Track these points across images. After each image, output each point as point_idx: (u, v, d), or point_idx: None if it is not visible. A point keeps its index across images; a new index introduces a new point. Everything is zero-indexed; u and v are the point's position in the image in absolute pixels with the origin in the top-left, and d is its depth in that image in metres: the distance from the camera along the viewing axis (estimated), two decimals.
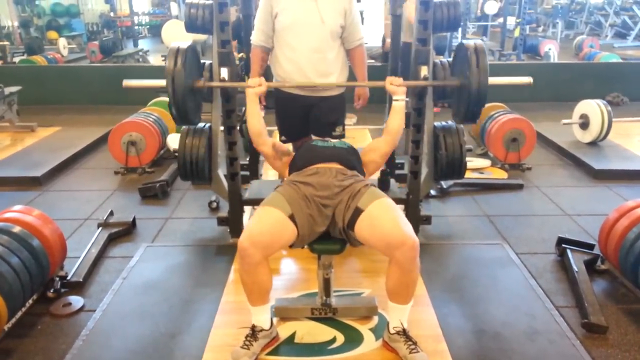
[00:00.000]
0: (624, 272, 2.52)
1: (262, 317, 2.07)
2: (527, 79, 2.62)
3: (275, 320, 2.19)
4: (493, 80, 2.43)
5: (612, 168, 4.27)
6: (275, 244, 1.98)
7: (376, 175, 3.02)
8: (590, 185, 4.08)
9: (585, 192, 3.97)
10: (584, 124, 4.82)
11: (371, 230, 1.94)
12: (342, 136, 2.89)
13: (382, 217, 1.94)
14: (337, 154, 2.24)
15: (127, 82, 2.67)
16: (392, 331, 2.03)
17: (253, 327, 2.06)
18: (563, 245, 2.86)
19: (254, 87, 2.36)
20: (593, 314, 2.28)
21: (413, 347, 1.96)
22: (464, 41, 2.50)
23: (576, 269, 2.62)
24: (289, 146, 2.89)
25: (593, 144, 4.78)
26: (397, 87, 2.33)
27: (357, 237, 2.00)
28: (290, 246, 2.05)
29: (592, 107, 4.73)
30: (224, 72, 2.65)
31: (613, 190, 3.92)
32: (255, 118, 2.36)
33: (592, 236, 3.07)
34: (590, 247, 2.85)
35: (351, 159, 2.25)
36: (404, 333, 2.01)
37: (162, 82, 2.48)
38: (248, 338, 2.03)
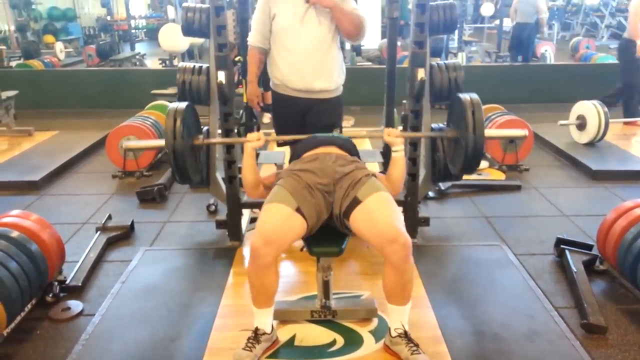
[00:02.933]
0: (623, 272, 2.52)
1: (265, 320, 2.07)
2: (523, 132, 2.68)
3: (274, 323, 2.18)
4: (490, 133, 2.43)
5: (610, 169, 4.28)
6: (288, 239, 1.98)
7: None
8: (588, 186, 4.09)
9: (583, 192, 3.98)
10: (581, 125, 4.83)
11: (366, 223, 1.95)
12: None
13: (378, 211, 1.95)
14: (336, 140, 2.25)
15: (128, 144, 2.75)
16: (393, 334, 2.02)
17: (256, 330, 2.05)
18: (561, 246, 2.86)
19: (253, 142, 2.28)
20: (592, 315, 2.28)
21: (415, 349, 1.96)
22: (460, 95, 2.49)
23: (575, 270, 2.62)
24: (287, 150, 2.89)
25: (590, 144, 4.79)
26: (394, 139, 2.27)
27: (351, 227, 2.01)
28: (302, 238, 2.06)
29: (589, 108, 4.74)
30: (221, 76, 2.66)
31: (611, 190, 3.93)
32: (252, 172, 2.27)
33: (590, 237, 3.07)
34: (589, 247, 2.85)
35: (350, 147, 2.25)
36: (405, 335, 2.00)
37: (161, 142, 2.51)
38: (250, 340, 2.03)
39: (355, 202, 1.98)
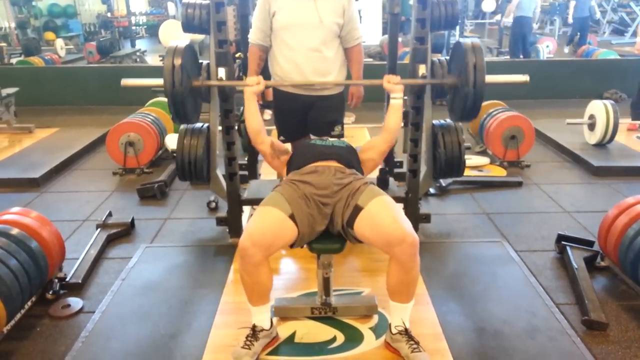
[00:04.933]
0: (624, 268, 2.52)
1: (262, 317, 2.06)
2: (524, 77, 2.62)
3: (275, 320, 2.18)
4: (490, 78, 2.43)
5: (612, 165, 4.27)
6: (276, 244, 1.98)
7: (375, 174, 3.03)
8: (589, 182, 4.08)
9: (584, 189, 3.97)
10: (592, 125, 4.70)
11: (371, 227, 1.94)
12: (341, 135, 2.89)
13: (382, 214, 1.94)
14: (336, 153, 2.24)
15: (126, 81, 2.68)
16: (394, 331, 2.02)
17: (254, 327, 2.05)
18: (563, 243, 2.85)
19: (252, 86, 2.36)
20: (593, 311, 2.27)
21: (415, 346, 1.96)
22: (461, 39, 2.50)
23: (576, 266, 2.62)
24: (288, 146, 2.88)
25: (599, 145, 4.65)
26: (394, 85, 2.33)
27: (357, 234, 1.99)
28: (291, 246, 2.05)
29: (599, 108, 4.61)
30: (222, 72, 2.64)
31: (612, 187, 3.92)
32: (254, 116, 2.35)
33: (591, 233, 3.07)
34: (590, 244, 2.85)
35: (349, 158, 2.25)
36: (406, 333, 2.00)
37: (160, 81, 2.48)
38: (249, 338, 2.02)
39: (357, 209, 1.98)
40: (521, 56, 8.70)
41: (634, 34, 12.10)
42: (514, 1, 8.54)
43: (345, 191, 2.04)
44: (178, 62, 2.39)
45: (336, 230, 2.06)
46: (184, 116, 2.53)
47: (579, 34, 10.49)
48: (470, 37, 10.16)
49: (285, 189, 2.07)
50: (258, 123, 2.35)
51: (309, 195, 2.03)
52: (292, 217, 1.97)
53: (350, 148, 2.33)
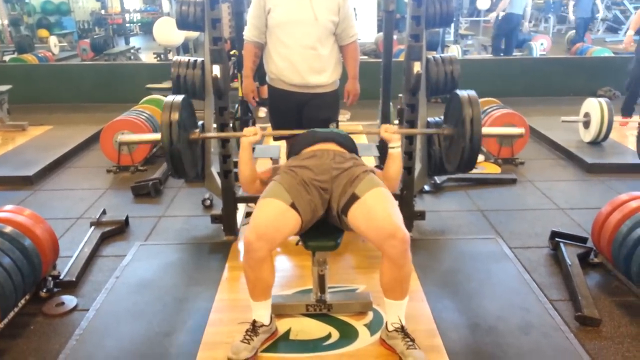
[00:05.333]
0: (617, 265, 2.53)
1: (263, 312, 2.07)
2: (519, 130, 2.68)
3: (273, 315, 2.18)
4: (486, 130, 2.43)
5: (605, 162, 4.29)
6: (281, 235, 1.98)
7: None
8: (583, 179, 4.10)
9: (578, 186, 3.99)
10: (586, 123, 4.70)
11: (364, 218, 1.95)
12: None
13: (377, 207, 1.94)
14: (335, 137, 2.24)
15: (123, 138, 2.80)
16: (390, 328, 2.02)
17: (254, 322, 2.06)
18: (556, 239, 2.87)
19: (249, 137, 2.25)
20: (586, 307, 2.29)
21: (410, 343, 1.97)
22: (458, 92, 2.48)
23: (569, 263, 2.63)
24: (282, 144, 2.89)
25: (594, 143, 4.65)
26: (392, 135, 2.24)
27: (350, 223, 2.00)
28: (296, 234, 2.05)
29: (594, 106, 4.61)
30: (216, 70, 2.64)
31: (606, 184, 3.94)
32: (248, 166, 2.24)
33: (585, 230, 3.08)
34: (584, 240, 2.86)
35: (349, 144, 2.25)
36: (402, 330, 2.01)
37: (157, 136, 2.48)
38: (248, 333, 2.03)
39: (354, 198, 1.98)
40: (502, 54, 8.76)
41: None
42: None
43: (345, 177, 2.04)
44: (175, 117, 2.37)
45: (333, 216, 2.06)
46: (182, 170, 2.51)
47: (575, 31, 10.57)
48: (466, 34, 10.12)
49: (284, 177, 2.06)
50: (252, 174, 2.25)
51: (308, 181, 2.03)
52: (293, 205, 1.97)
53: (350, 138, 2.32)
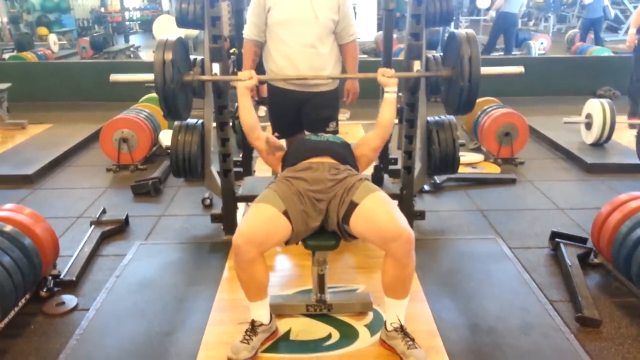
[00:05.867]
0: (617, 265, 2.53)
1: (261, 312, 2.07)
2: (519, 69, 2.61)
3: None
4: (485, 70, 2.42)
5: (605, 162, 4.29)
6: (270, 241, 1.98)
7: (369, 171, 3.02)
8: (583, 179, 4.10)
9: (578, 186, 3.99)
10: (588, 124, 4.65)
11: (366, 223, 1.94)
12: (335, 132, 2.88)
13: (377, 210, 1.94)
14: (330, 148, 2.23)
15: (115, 77, 2.65)
16: (389, 328, 2.02)
17: (253, 322, 2.06)
18: (556, 240, 2.87)
19: (245, 81, 2.33)
20: (587, 308, 2.29)
21: (411, 343, 1.96)
22: (455, 31, 2.49)
23: (569, 263, 2.63)
24: (283, 142, 2.88)
25: (595, 144, 4.59)
26: (388, 79, 2.31)
27: (353, 231, 2.00)
28: (286, 243, 2.05)
29: (596, 107, 4.55)
30: (216, 68, 2.63)
31: (606, 184, 3.94)
32: (248, 112, 2.33)
33: (585, 230, 3.08)
34: (584, 241, 2.86)
35: (344, 153, 2.25)
36: (401, 330, 2.00)
37: (150, 76, 2.45)
38: (248, 333, 2.03)
39: (353, 205, 1.98)
40: (501, 53, 8.75)
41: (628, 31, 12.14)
42: None
43: (340, 187, 2.04)
44: (169, 56, 2.36)
45: (331, 228, 2.06)
46: (175, 112, 2.51)
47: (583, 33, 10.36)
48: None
49: (279, 186, 2.06)
50: (252, 118, 2.33)
51: (303, 191, 2.03)
52: (285, 213, 1.96)
53: (345, 144, 2.33)
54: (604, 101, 4.61)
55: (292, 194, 2.01)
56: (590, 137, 4.65)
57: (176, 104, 2.46)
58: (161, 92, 2.39)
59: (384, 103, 2.33)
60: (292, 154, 2.28)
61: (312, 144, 2.28)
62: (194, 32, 8.22)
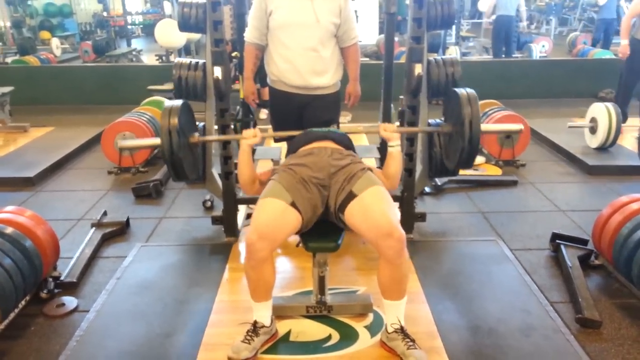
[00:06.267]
0: (618, 267, 2.53)
1: (264, 313, 2.07)
2: (518, 127, 2.66)
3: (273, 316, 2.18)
4: (485, 127, 2.43)
5: (606, 164, 4.28)
6: (282, 234, 1.98)
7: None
8: (584, 181, 4.10)
9: (579, 188, 3.99)
10: (593, 128, 4.60)
11: (361, 217, 1.95)
12: None
13: (374, 205, 1.95)
14: (332, 134, 2.25)
15: (123, 144, 2.83)
16: (390, 330, 2.02)
17: (255, 323, 2.06)
18: (557, 241, 2.86)
19: (248, 139, 2.26)
20: (587, 309, 2.28)
21: (411, 344, 1.96)
22: (456, 89, 2.48)
23: (570, 265, 2.63)
24: (283, 146, 2.89)
25: (601, 149, 4.54)
26: (390, 134, 2.25)
27: (346, 221, 2.00)
28: (297, 233, 2.05)
29: (600, 111, 4.50)
30: (217, 71, 2.64)
31: (607, 185, 3.94)
32: (248, 168, 2.24)
33: (586, 232, 3.08)
34: (584, 242, 2.86)
35: (346, 141, 2.25)
36: (402, 331, 2.00)
37: (157, 141, 2.49)
38: (249, 333, 2.03)
39: (351, 196, 1.98)
40: (503, 55, 8.75)
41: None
42: (491, 1, 8.63)
43: (342, 174, 2.05)
44: (174, 122, 2.37)
45: (330, 214, 2.07)
46: (182, 173, 2.51)
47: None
48: (467, 36, 10.11)
49: (283, 176, 2.06)
50: (251, 175, 2.25)
51: (307, 178, 2.03)
52: (293, 204, 1.97)
53: (347, 137, 2.32)
54: (609, 105, 4.56)
55: (296, 183, 2.02)
56: (595, 141, 4.59)
57: (183, 166, 2.46)
58: (168, 158, 2.41)
59: (388, 157, 2.27)
60: (294, 143, 2.28)
61: (314, 132, 2.29)
62: (195, 36, 8.25)
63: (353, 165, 2.08)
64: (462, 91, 2.43)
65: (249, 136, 2.26)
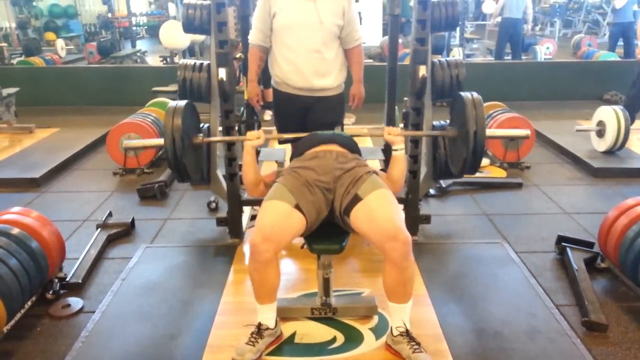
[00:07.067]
0: (624, 270, 2.52)
1: (268, 315, 2.07)
2: (525, 132, 2.65)
3: (278, 318, 2.18)
4: (491, 132, 2.42)
5: (612, 166, 4.27)
6: (287, 236, 1.98)
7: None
8: (589, 183, 4.09)
9: (584, 190, 3.97)
10: (600, 132, 4.54)
11: (366, 220, 1.95)
12: None
13: (379, 209, 1.94)
14: (337, 137, 2.25)
15: (127, 143, 2.82)
16: (395, 333, 2.02)
17: (259, 325, 2.06)
18: (563, 244, 2.85)
19: (253, 140, 2.25)
20: (593, 312, 2.27)
21: (416, 347, 1.96)
22: (462, 93, 2.48)
23: (576, 268, 2.62)
24: (287, 148, 2.89)
25: (609, 152, 4.49)
26: (395, 137, 2.24)
27: (352, 224, 2.00)
28: (301, 235, 2.05)
29: (608, 114, 4.45)
30: (222, 73, 2.65)
31: (612, 188, 3.92)
32: (252, 170, 2.24)
33: (591, 234, 3.07)
34: (590, 245, 2.85)
35: (351, 144, 2.26)
36: (407, 334, 2.00)
37: (161, 141, 2.50)
38: (254, 335, 2.03)
39: (356, 199, 1.98)
40: (507, 58, 8.74)
41: (635, 37, 12.04)
42: (499, 2, 8.61)
43: (348, 177, 2.05)
44: (178, 123, 2.38)
45: (335, 217, 2.07)
46: (185, 174, 2.52)
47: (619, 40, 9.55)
48: (471, 38, 10.10)
49: (287, 179, 2.07)
50: (255, 177, 2.25)
51: (312, 181, 2.04)
52: (297, 207, 1.97)
53: (352, 140, 2.33)
54: (617, 108, 4.51)
55: (300, 186, 2.02)
56: (603, 144, 4.53)
57: (186, 166, 2.47)
58: (172, 158, 2.42)
59: (392, 161, 2.26)
60: (300, 146, 2.29)
61: (319, 135, 2.29)
62: (200, 37, 8.27)
63: (358, 169, 2.08)
64: (467, 95, 2.43)
65: (253, 137, 2.26)
